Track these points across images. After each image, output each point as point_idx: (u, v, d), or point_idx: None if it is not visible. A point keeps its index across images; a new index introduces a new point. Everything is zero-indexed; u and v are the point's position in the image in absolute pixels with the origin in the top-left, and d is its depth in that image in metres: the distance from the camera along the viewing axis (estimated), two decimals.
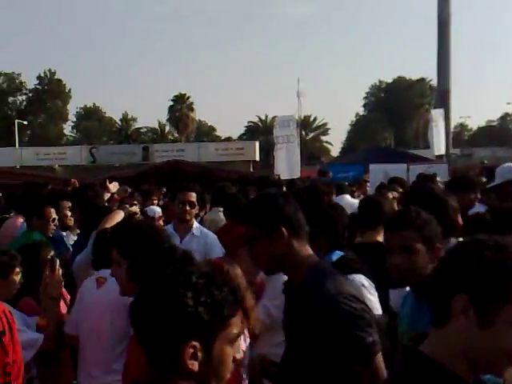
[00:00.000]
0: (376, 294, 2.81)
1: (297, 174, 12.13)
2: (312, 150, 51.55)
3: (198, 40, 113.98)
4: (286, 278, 3.29)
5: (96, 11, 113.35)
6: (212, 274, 1.39)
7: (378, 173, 9.60)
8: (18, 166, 27.76)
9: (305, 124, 55.78)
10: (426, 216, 2.24)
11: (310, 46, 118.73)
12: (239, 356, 1.43)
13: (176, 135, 60.72)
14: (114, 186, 6.31)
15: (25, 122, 45.80)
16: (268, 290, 3.20)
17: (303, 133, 50.79)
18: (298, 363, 2.03)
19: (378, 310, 2.75)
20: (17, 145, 38.77)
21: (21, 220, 5.16)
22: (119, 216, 3.81)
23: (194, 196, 4.47)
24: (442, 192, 3.30)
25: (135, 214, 4.30)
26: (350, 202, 6.44)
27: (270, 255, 2.02)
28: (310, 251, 2.08)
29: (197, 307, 1.30)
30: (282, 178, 10.50)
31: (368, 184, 9.20)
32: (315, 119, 64.39)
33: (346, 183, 8.15)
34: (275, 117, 18.39)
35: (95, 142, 49.37)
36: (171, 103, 60.60)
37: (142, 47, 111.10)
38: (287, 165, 13.25)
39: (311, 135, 63.74)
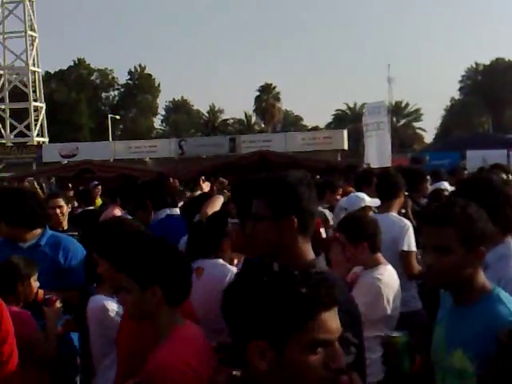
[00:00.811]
0: None
1: (387, 163, 11.80)
2: (404, 137, 49.92)
3: (282, 28, 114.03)
4: (378, 274, 3.26)
5: (183, 7, 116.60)
6: (292, 274, 1.28)
7: (475, 159, 9.17)
8: (112, 160, 29.20)
9: (396, 110, 54.17)
10: (474, 211, 1.90)
11: (400, 29, 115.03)
12: (335, 365, 1.25)
13: (262, 126, 61.20)
14: (206, 186, 6.62)
15: (117, 117, 48.08)
16: (358, 286, 3.12)
17: (394, 119, 49.36)
18: None
19: None
20: (110, 139, 40.78)
21: (118, 211, 5.46)
22: (219, 201, 3.88)
23: None
24: (503, 183, 2.89)
25: None
26: (449, 189, 6.13)
27: (269, 241, 1.84)
28: (310, 250, 1.89)
29: (269, 306, 1.23)
30: (372, 166, 10.24)
31: (466, 172, 8.76)
32: (407, 105, 62.30)
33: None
34: (364, 104, 17.98)
35: (183, 134, 50.87)
36: (257, 93, 61.16)
37: (226, 40, 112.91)
38: (377, 153, 12.94)
39: (403, 122, 61.76)
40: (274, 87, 60.97)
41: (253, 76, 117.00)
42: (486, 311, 1.83)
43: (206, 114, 66.25)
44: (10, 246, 3.31)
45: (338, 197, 6.16)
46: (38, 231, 3.33)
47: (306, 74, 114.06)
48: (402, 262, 4.00)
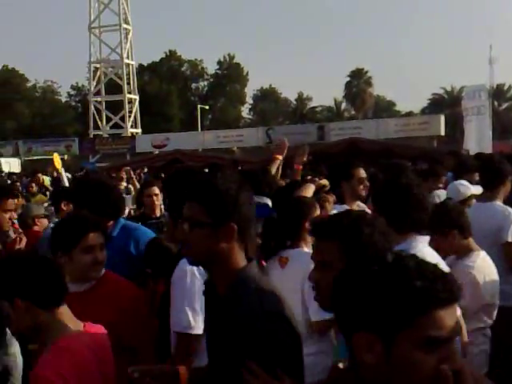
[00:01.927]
0: None
1: (488, 149, 11.19)
2: (506, 123, 47.11)
3: (374, 10, 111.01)
4: (470, 261, 3.10)
5: None
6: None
7: None
8: (200, 149, 29.97)
9: (497, 93, 51.18)
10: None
11: (503, 7, 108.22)
12: (449, 366, 1.17)
13: (353, 112, 60.14)
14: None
15: (206, 107, 49.19)
16: None
17: (495, 103, 46.68)
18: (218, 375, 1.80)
19: None
20: (199, 129, 41.85)
21: None
22: (310, 189, 3.88)
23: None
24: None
25: (324, 186, 4.38)
26: None
27: (206, 249, 1.77)
28: (243, 257, 1.81)
29: (380, 298, 1.19)
30: (472, 153, 9.74)
31: None
32: (510, 88, 58.69)
33: None
34: (463, 87, 17.12)
35: (271, 123, 51.11)
36: (348, 79, 60.14)
37: (315, 26, 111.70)
38: (477, 139, 12.36)
39: (505, 106, 58.28)
40: (366, 72, 59.67)
41: (343, 61, 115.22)
42: None
43: (294, 102, 66.16)
44: None
45: (440, 185, 5.89)
46: (111, 222, 3.42)
47: (399, 57, 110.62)
48: (504, 253, 3.80)
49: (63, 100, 66.43)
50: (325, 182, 4.51)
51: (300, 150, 4.96)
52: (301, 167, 5.07)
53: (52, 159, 12.26)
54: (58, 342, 1.99)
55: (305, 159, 5.13)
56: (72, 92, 65.94)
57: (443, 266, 2.28)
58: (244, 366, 1.62)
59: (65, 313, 2.06)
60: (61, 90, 67.87)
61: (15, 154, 37.11)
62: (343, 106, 62.81)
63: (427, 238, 2.61)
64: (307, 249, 3.10)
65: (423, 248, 2.51)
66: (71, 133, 52.02)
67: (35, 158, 35.93)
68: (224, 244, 1.76)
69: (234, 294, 1.75)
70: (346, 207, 3.89)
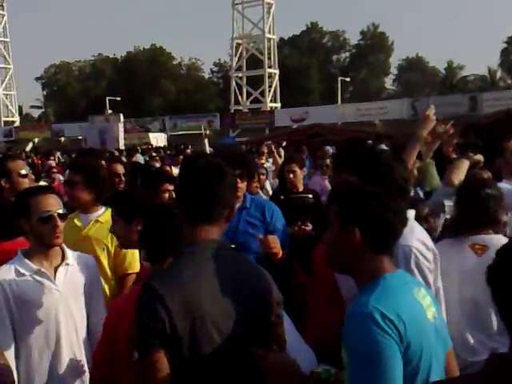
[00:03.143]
0: None
1: None
2: None
3: None
4: None
5: None
6: None
7: None
8: (340, 123, 29.59)
9: None
10: None
11: None
12: None
13: (509, 82, 55.50)
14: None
15: (347, 79, 48.37)
16: None
17: None
18: None
19: None
20: (339, 102, 41.31)
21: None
22: (465, 165, 3.66)
23: None
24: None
25: (479, 162, 4.12)
26: None
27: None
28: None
29: None
30: None
31: None
32: None
33: None
34: None
35: (416, 94, 48.94)
36: (504, 46, 55.45)
37: None
38: None
39: None
40: None
41: (498, 27, 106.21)
42: None
43: (443, 72, 62.65)
44: None
45: None
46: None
47: None
48: None
49: (206, 76, 69.30)
50: (479, 157, 4.19)
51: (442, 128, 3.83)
52: (451, 148, 4.70)
53: (196, 133, 12.84)
54: None
55: (455, 140, 4.73)
56: (214, 68, 68.54)
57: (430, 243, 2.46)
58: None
59: None
60: (204, 66, 71.00)
61: (162, 130, 39.43)
62: (498, 74, 58.17)
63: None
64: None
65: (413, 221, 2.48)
66: (213, 108, 54.09)
67: (180, 133, 37.98)
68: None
69: None
70: (505, 185, 3.54)
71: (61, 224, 2.59)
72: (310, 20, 65.59)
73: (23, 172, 3.84)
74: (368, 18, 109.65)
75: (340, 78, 43.53)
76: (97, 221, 3.45)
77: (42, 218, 2.54)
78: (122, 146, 25.99)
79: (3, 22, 56.74)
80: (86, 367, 2.63)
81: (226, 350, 1.73)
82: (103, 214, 3.44)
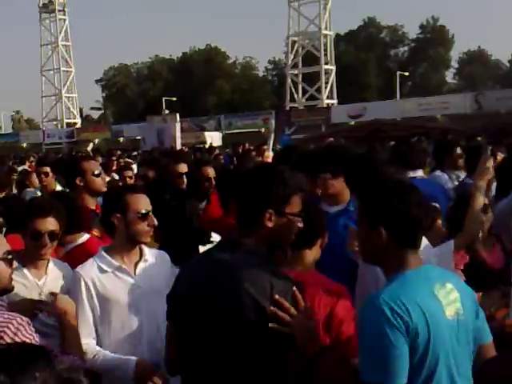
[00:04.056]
0: None
1: None
2: None
3: None
4: None
5: None
6: None
7: None
8: (399, 118, 28.90)
9: None
10: None
11: None
12: None
13: None
14: None
15: (406, 74, 47.25)
16: None
17: None
18: None
19: None
20: (397, 97, 40.39)
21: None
22: None
23: None
24: None
25: None
26: None
27: None
28: None
29: None
30: None
31: None
32: None
33: None
34: None
35: (478, 87, 47.32)
36: None
37: None
38: None
39: None
40: None
41: None
42: None
43: (507, 64, 60.33)
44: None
45: None
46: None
47: None
48: None
49: (260, 74, 69.39)
50: None
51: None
52: None
53: (251, 132, 12.90)
54: None
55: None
56: (269, 66, 68.52)
57: None
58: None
59: None
60: (258, 65, 71.12)
61: (217, 128, 39.67)
62: None
63: None
64: None
65: None
66: (267, 106, 54.03)
67: (235, 131, 38.11)
68: None
69: None
70: None
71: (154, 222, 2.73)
72: (366, 15, 64.55)
73: (97, 172, 4.09)
74: (427, 12, 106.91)
75: (398, 73, 42.57)
76: None
77: (141, 215, 2.66)
78: (178, 145, 26.28)
79: (65, 27, 58.63)
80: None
81: None
82: None
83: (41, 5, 58.76)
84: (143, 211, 2.67)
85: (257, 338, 1.87)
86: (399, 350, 1.74)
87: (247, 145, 12.99)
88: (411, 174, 4.31)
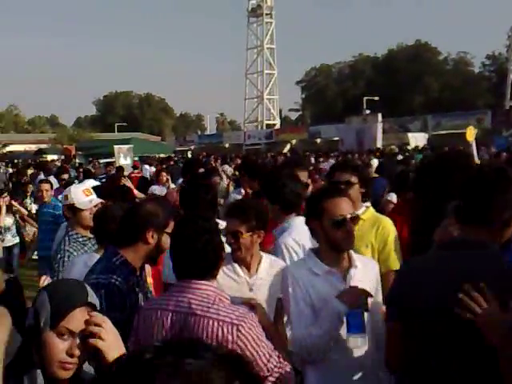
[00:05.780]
0: None
1: None
2: None
3: None
4: None
5: None
6: None
7: None
8: None
9: None
10: None
11: None
12: None
13: None
14: None
15: None
16: None
17: None
18: None
19: None
20: None
21: None
22: None
23: None
24: None
25: None
26: None
27: None
28: None
29: None
30: None
31: None
32: None
33: None
34: None
35: None
36: None
37: None
38: None
39: None
40: None
41: None
42: None
43: None
44: None
45: None
46: None
47: None
48: None
49: (476, 71, 64.22)
50: None
51: None
52: None
53: (461, 133, 11.73)
54: None
55: None
56: (487, 62, 62.98)
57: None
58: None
59: None
60: (474, 60, 65.82)
61: (423, 129, 37.06)
62: None
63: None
64: None
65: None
66: (481, 105, 49.56)
67: (442, 132, 35.01)
68: None
69: None
70: None
71: (353, 227, 2.69)
72: None
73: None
74: None
75: None
76: (360, 218, 3.50)
77: (336, 222, 2.65)
78: (379, 146, 25.65)
79: (271, 30, 60.16)
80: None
81: None
82: (365, 212, 3.59)
83: (249, 9, 61.11)
84: (338, 217, 2.67)
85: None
86: None
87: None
88: None
